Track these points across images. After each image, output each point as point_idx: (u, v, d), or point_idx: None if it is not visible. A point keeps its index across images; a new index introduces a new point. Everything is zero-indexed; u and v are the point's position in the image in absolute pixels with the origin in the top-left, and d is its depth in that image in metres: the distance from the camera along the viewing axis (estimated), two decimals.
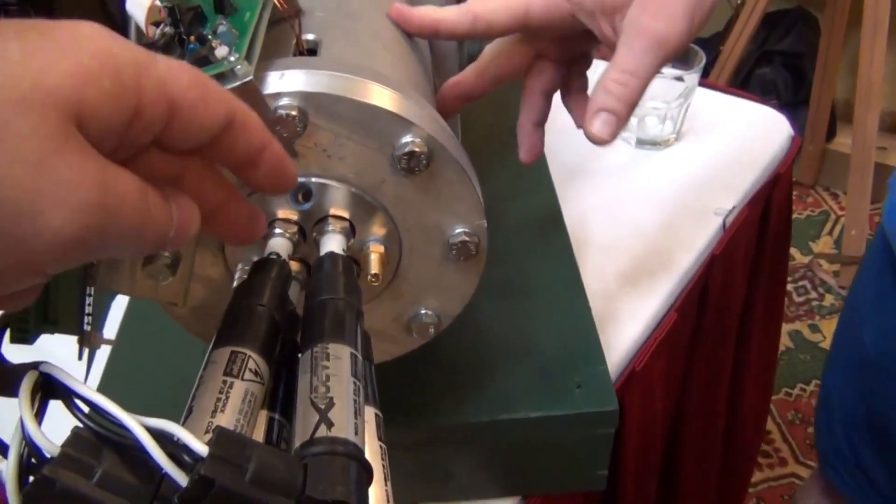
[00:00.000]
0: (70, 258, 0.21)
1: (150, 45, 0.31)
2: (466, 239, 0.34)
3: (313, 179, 0.32)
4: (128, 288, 0.33)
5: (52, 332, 0.30)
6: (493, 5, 0.42)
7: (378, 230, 0.34)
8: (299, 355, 0.27)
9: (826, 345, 1.54)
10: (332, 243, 0.32)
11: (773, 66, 1.80)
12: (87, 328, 0.30)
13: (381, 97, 0.31)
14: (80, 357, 0.30)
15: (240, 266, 0.34)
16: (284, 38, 0.37)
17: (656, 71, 0.39)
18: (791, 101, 1.79)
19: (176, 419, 0.22)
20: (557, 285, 0.54)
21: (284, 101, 0.30)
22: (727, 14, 1.72)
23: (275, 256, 0.31)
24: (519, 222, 0.60)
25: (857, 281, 0.82)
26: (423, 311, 0.37)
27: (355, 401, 0.25)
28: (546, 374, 0.47)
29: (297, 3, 0.38)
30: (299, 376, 0.26)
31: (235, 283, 0.33)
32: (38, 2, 0.89)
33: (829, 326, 1.57)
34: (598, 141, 0.40)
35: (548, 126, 0.75)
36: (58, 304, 0.29)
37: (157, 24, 0.34)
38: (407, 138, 0.31)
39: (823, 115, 1.74)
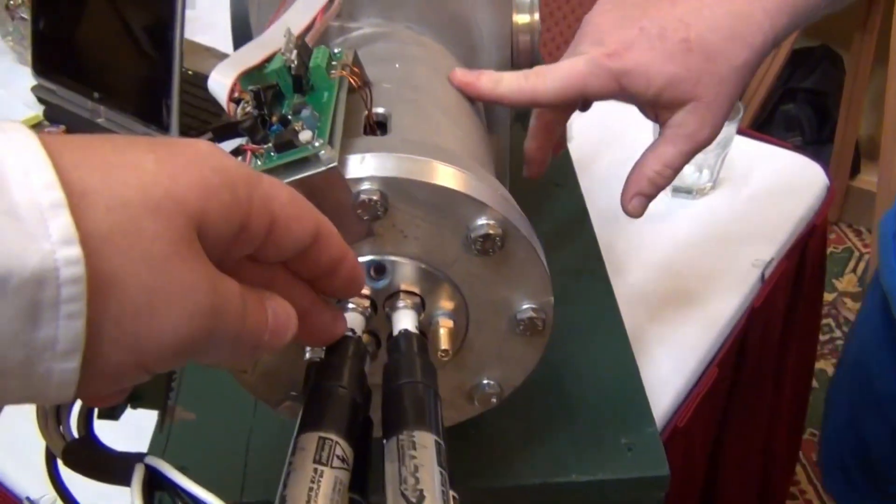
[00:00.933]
0: (179, 359, 0.21)
1: (235, 125, 0.32)
2: (534, 315, 0.35)
3: (388, 257, 0.33)
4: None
5: (136, 407, 0.30)
6: (551, 86, 0.42)
7: (447, 304, 0.35)
8: (384, 441, 0.27)
9: None
10: (406, 320, 0.33)
11: (798, 103, 1.80)
12: (171, 403, 0.31)
13: (457, 180, 0.32)
14: (160, 430, 0.31)
15: None
16: (354, 110, 0.37)
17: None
18: (815, 138, 1.80)
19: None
20: (603, 340, 0.54)
21: (366, 186, 0.31)
22: None
23: (350, 333, 0.32)
24: (561, 270, 0.60)
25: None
26: (485, 382, 0.38)
27: (443, 492, 0.25)
28: (595, 435, 0.47)
29: (367, 77, 0.39)
30: (386, 464, 0.26)
31: (308, 355, 0.34)
32: (92, 31, 0.90)
33: None
34: (633, 216, 0.47)
35: (586, 173, 0.76)
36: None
37: (236, 102, 0.35)
38: (482, 220, 0.32)
39: (848, 151, 1.74)
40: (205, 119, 0.90)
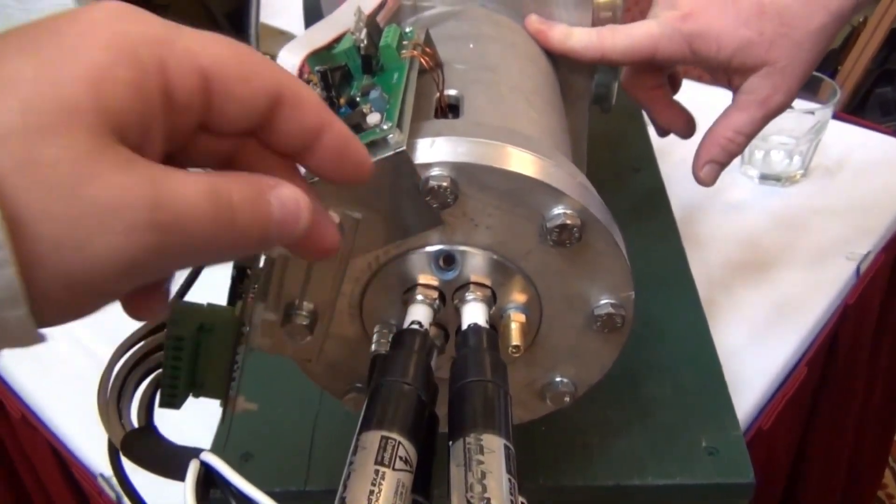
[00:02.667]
0: (135, 279, 0.19)
1: None
2: (612, 311, 0.32)
3: (457, 247, 0.31)
4: (267, 346, 0.33)
5: (198, 395, 0.30)
6: (621, 42, 0.43)
7: (519, 297, 0.33)
8: (450, 444, 0.26)
9: None
10: (476, 313, 0.31)
11: (895, 85, 1.70)
12: (233, 393, 0.30)
13: (533, 166, 0.30)
14: (222, 420, 0.30)
15: (377, 328, 0.34)
16: (425, 92, 0.36)
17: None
18: None
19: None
20: (684, 334, 0.51)
21: (436, 172, 0.29)
22: (845, 31, 1.64)
23: (417, 326, 0.30)
24: (638, 259, 0.58)
25: None
26: (558, 379, 0.36)
27: (511, 501, 0.23)
28: (674, 436, 0.44)
29: (439, 57, 0.38)
30: (451, 467, 0.25)
31: (373, 347, 0.33)
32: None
33: None
34: (705, 184, 0.46)
35: (666, 159, 0.73)
36: (207, 367, 0.29)
37: (304, 83, 0.33)
38: (558, 209, 0.30)
39: None
40: None
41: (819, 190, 0.73)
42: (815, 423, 0.69)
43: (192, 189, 0.19)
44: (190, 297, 0.29)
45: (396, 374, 0.27)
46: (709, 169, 0.45)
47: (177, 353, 0.27)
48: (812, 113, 0.69)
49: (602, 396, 0.46)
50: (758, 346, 0.59)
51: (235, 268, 0.30)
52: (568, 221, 0.30)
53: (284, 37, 1.03)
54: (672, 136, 0.66)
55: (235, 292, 0.30)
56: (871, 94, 1.71)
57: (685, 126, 0.50)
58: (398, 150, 0.29)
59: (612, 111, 0.54)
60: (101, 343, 0.58)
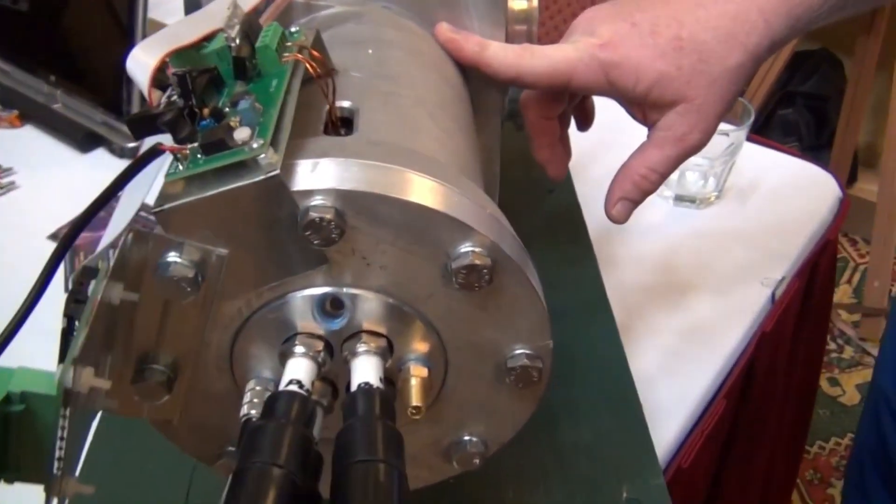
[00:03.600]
0: None
1: (155, 117, 0.25)
2: (528, 363, 0.28)
3: (346, 290, 0.26)
4: (114, 408, 0.27)
5: (11, 480, 0.24)
6: (538, 64, 0.40)
7: (420, 346, 0.28)
8: None
9: (846, 399, 1.48)
10: (367, 369, 0.26)
11: (796, 107, 1.75)
12: (58, 473, 0.24)
13: (436, 195, 0.25)
14: None
15: (250, 384, 0.28)
16: (313, 103, 0.31)
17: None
18: (813, 144, 1.74)
19: None
20: (603, 373, 0.48)
21: (318, 201, 0.24)
22: None
23: (295, 387, 0.25)
24: (556, 291, 0.54)
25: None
26: (466, 438, 0.31)
27: None
28: (594, 488, 0.41)
29: (331, 62, 0.32)
30: None
31: (244, 409, 0.27)
32: (48, 7, 0.84)
33: (850, 380, 1.51)
34: (617, 222, 0.44)
35: (581, 178, 0.70)
36: (20, 446, 0.23)
37: (162, 88, 0.28)
38: (465, 247, 0.25)
39: (846, 159, 1.69)
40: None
41: (733, 212, 0.71)
42: (730, 452, 0.67)
43: None
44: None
45: (265, 453, 0.22)
46: (621, 206, 0.43)
47: None
48: (727, 134, 0.68)
49: (515, 443, 0.42)
50: (674, 375, 0.56)
51: (65, 316, 0.24)
52: (476, 261, 0.25)
53: None
54: (587, 154, 0.63)
55: (65, 350, 0.24)
56: (773, 115, 1.75)
57: (558, 172, 0.48)
58: (270, 175, 0.23)
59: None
60: None
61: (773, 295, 0.63)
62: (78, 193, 0.73)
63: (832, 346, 1.57)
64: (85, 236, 0.71)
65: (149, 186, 0.30)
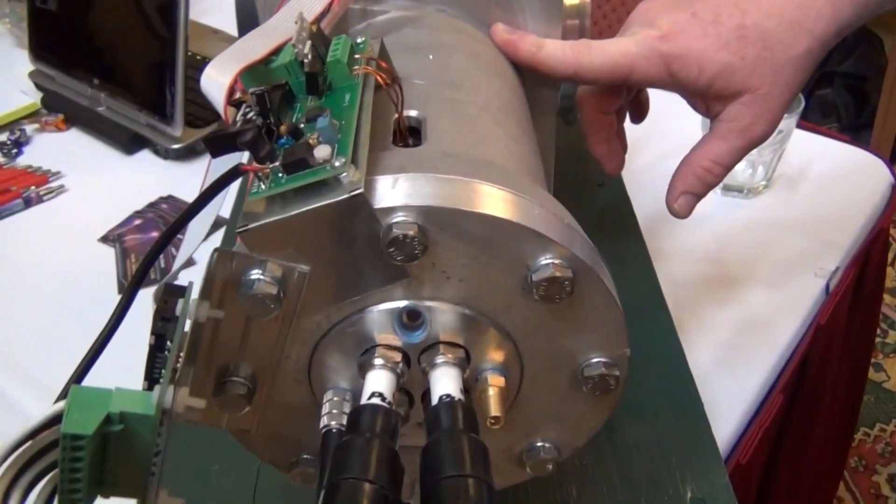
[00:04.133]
0: None
1: (234, 136, 0.25)
2: (605, 372, 0.28)
3: (425, 303, 0.26)
4: (197, 419, 0.28)
5: (108, 495, 0.24)
6: (597, 60, 0.39)
7: (497, 356, 0.28)
8: None
9: (891, 385, 1.46)
10: (447, 381, 0.26)
11: (834, 88, 1.71)
12: (153, 489, 0.24)
13: (514, 207, 0.25)
14: None
15: (328, 395, 0.28)
16: (380, 113, 0.31)
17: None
18: (852, 124, 1.71)
19: None
20: (662, 371, 0.47)
21: (400, 218, 0.24)
22: None
23: (378, 399, 0.25)
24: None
25: None
26: (539, 444, 0.31)
27: None
28: (658, 487, 0.40)
29: (396, 72, 0.32)
30: None
31: (324, 420, 0.27)
32: (75, 6, 0.84)
33: (895, 365, 1.48)
34: (679, 216, 0.43)
35: (629, 169, 0.69)
36: (117, 463, 0.24)
37: (236, 106, 0.28)
38: (546, 259, 0.25)
39: (888, 139, 1.65)
40: (214, 110, 0.84)
41: (782, 202, 0.70)
42: (783, 445, 0.67)
43: None
44: (92, 379, 0.23)
45: (355, 469, 0.22)
46: (683, 200, 0.42)
47: (76, 454, 0.22)
48: None
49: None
50: (729, 370, 0.55)
51: (153, 334, 0.25)
52: (557, 274, 0.25)
53: (217, 36, 0.96)
54: (631, 145, 0.63)
55: (153, 366, 0.25)
56: (811, 97, 1.72)
57: (615, 167, 0.47)
58: (354, 193, 0.23)
59: (575, 123, 0.49)
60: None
61: (828, 286, 0.62)
62: (125, 195, 0.75)
63: (877, 331, 1.55)
64: (134, 238, 0.72)
65: (222, 198, 0.30)
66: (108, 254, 0.69)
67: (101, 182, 0.78)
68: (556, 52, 0.39)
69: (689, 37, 0.38)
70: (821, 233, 0.67)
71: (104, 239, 0.71)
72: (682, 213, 0.43)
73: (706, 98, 0.40)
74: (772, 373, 0.56)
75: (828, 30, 0.38)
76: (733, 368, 0.55)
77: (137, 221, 0.73)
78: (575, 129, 0.52)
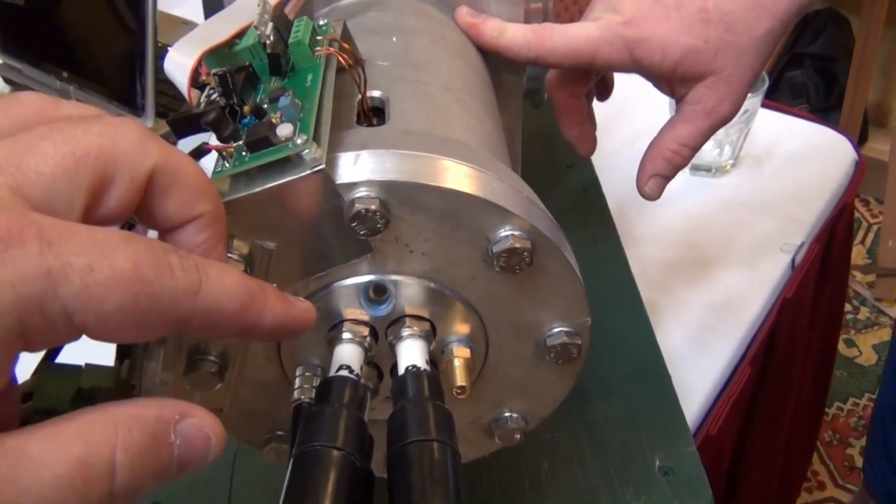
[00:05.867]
0: None
1: (198, 116, 0.26)
2: (567, 340, 0.29)
3: (389, 277, 0.27)
4: (169, 393, 0.28)
5: None
6: (560, 44, 0.39)
7: (462, 328, 0.29)
8: None
9: (863, 360, 1.49)
10: (413, 352, 0.27)
11: (804, 69, 1.74)
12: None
13: (475, 181, 0.26)
14: None
15: (299, 370, 0.29)
16: (344, 94, 0.31)
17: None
18: (822, 105, 1.73)
19: None
20: (631, 348, 0.48)
21: (362, 193, 0.25)
22: None
23: (346, 372, 0.26)
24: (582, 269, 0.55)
25: None
26: (507, 414, 0.32)
27: None
28: (627, 457, 0.41)
29: (359, 53, 0.33)
30: None
31: (295, 394, 0.28)
32: (44, 5, 0.83)
33: (866, 341, 1.52)
34: (650, 198, 0.44)
35: (598, 151, 0.70)
36: None
37: (200, 88, 0.28)
38: (506, 231, 0.26)
39: (857, 119, 1.68)
40: (185, 100, 0.84)
41: (749, 180, 0.72)
42: (754, 418, 0.68)
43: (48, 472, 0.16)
44: (64, 356, 0.24)
45: (324, 437, 0.23)
46: (654, 183, 0.43)
47: None
48: None
49: (550, 417, 0.43)
50: (698, 346, 0.57)
51: None
52: (517, 245, 0.26)
53: (187, 27, 0.96)
54: (603, 126, 0.64)
55: (125, 347, 0.25)
56: (781, 78, 1.74)
57: (588, 149, 0.47)
58: (316, 169, 0.24)
59: (543, 105, 0.50)
60: None
61: (794, 261, 0.64)
62: None
63: (848, 307, 1.57)
64: None
65: None
66: None
67: None
68: (518, 36, 0.40)
69: (652, 21, 0.38)
70: (787, 209, 0.68)
71: None
72: (653, 196, 0.44)
73: (671, 81, 0.40)
74: (739, 346, 0.58)
75: (789, 10, 0.38)
76: (702, 344, 0.57)
77: None
78: (542, 112, 0.52)
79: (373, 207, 0.24)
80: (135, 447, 0.17)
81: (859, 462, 1.31)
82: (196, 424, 0.19)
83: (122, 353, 0.25)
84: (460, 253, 0.27)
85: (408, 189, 0.25)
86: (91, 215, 0.18)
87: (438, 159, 0.26)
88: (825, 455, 1.34)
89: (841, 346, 1.51)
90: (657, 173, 0.43)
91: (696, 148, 0.42)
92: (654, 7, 0.38)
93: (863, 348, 1.51)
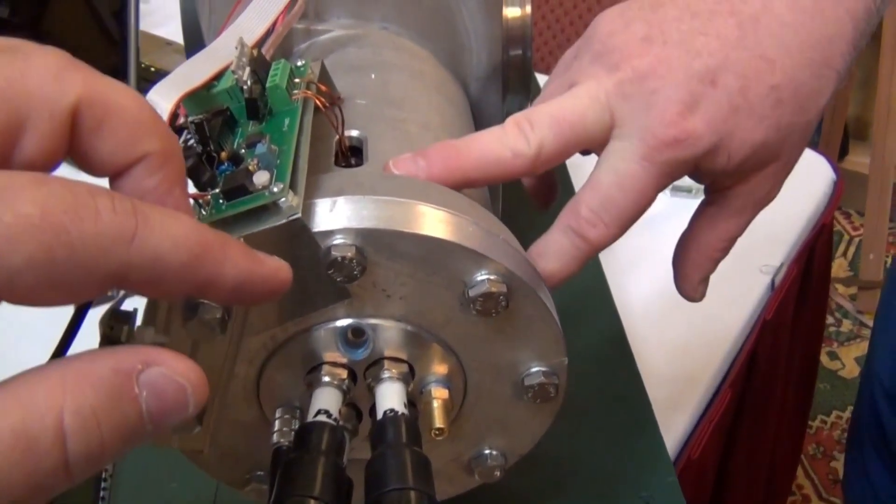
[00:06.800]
0: None
1: None
2: (545, 381, 0.29)
3: (367, 321, 0.27)
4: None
5: None
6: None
7: (440, 368, 0.29)
8: None
9: (846, 373, 1.50)
10: (391, 396, 0.27)
11: None
12: None
13: (450, 227, 0.26)
14: None
15: (278, 412, 0.29)
16: (322, 133, 0.31)
17: None
18: None
19: None
20: (611, 373, 0.49)
21: (339, 240, 0.25)
22: None
23: (324, 417, 0.26)
24: (561, 292, 0.55)
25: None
26: (486, 451, 0.32)
27: None
28: (607, 485, 0.42)
29: (337, 91, 0.33)
30: None
31: (275, 437, 0.28)
32: (28, 12, 0.83)
33: (849, 353, 1.53)
34: (697, 300, 0.37)
35: (577, 168, 0.70)
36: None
37: (178, 131, 0.28)
38: (481, 275, 0.26)
39: (837, 133, 1.70)
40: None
41: None
42: (737, 438, 0.69)
43: None
44: None
45: (301, 487, 0.23)
46: (703, 287, 0.36)
47: None
48: None
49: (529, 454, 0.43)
50: (679, 369, 0.57)
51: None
52: (493, 289, 0.26)
53: (171, 48, 0.96)
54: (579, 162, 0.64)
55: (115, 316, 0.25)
56: None
57: (543, 201, 0.41)
58: (292, 218, 0.24)
59: None
60: None
61: (773, 282, 0.65)
62: None
63: (830, 319, 1.59)
64: None
65: None
66: None
67: None
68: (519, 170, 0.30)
69: (710, 122, 0.29)
70: (766, 230, 0.68)
71: None
72: (701, 298, 0.37)
73: (721, 177, 0.32)
74: (720, 369, 0.58)
75: (847, 60, 0.30)
76: (682, 366, 0.57)
77: None
78: None
79: (349, 255, 0.25)
80: (87, 408, 0.15)
81: (843, 474, 1.32)
82: (164, 373, 0.17)
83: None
84: (437, 297, 0.27)
85: (384, 236, 0.25)
86: (6, 162, 0.16)
87: (415, 205, 0.26)
88: (809, 468, 1.35)
89: (824, 359, 1.52)
90: (705, 277, 0.36)
91: (738, 238, 0.36)
92: (714, 97, 0.29)
93: (846, 361, 1.52)
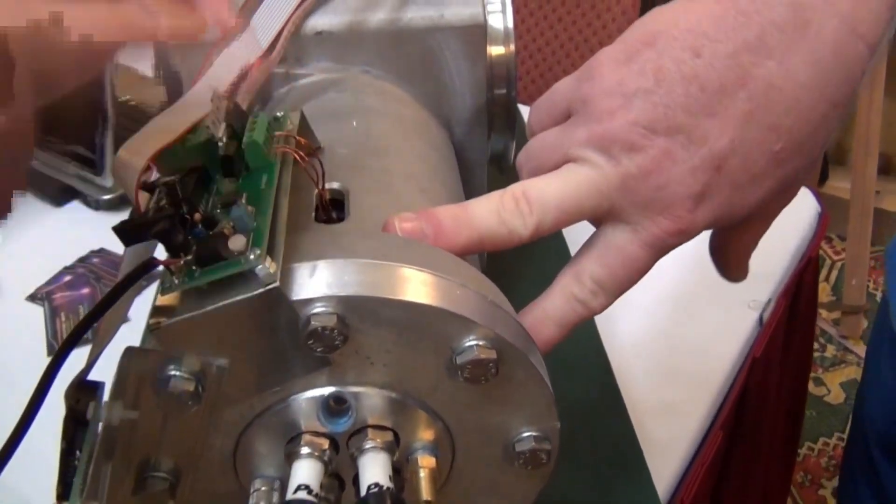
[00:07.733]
0: None
1: (146, 225, 0.25)
2: (536, 446, 0.28)
3: (349, 389, 0.26)
4: None
5: None
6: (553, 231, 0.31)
7: (426, 435, 0.28)
8: None
9: (831, 398, 1.50)
10: (375, 468, 0.26)
11: None
12: None
13: (435, 291, 0.25)
14: None
15: (256, 483, 0.28)
16: (302, 185, 0.30)
17: None
18: None
19: None
20: (599, 413, 0.47)
21: (319, 309, 0.24)
22: None
23: (304, 493, 0.25)
24: None
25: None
26: None
27: None
28: None
29: (317, 141, 0.32)
30: None
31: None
32: None
33: (834, 379, 1.53)
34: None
35: None
36: None
37: (149, 189, 0.27)
38: (469, 341, 0.25)
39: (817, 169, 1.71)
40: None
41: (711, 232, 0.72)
42: (727, 476, 0.67)
43: None
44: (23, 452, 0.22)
45: None
46: (745, 269, 0.38)
47: None
48: None
49: None
50: (668, 410, 0.56)
51: (65, 440, 0.24)
52: (482, 356, 0.25)
53: (151, 81, 0.95)
54: None
55: (66, 472, 0.24)
56: None
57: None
58: (270, 287, 0.23)
59: (509, 170, 0.50)
60: None
61: (761, 318, 0.64)
62: (55, 249, 0.73)
63: (815, 345, 1.59)
64: (64, 295, 0.70)
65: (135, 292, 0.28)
66: (37, 313, 0.67)
67: (29, 236, 0.75)
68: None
69: (721, 205, 0.28)
70: (752, 264, 0.68)
71: (32, 297, 0.68)
72: (745, 278, 0.38)
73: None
74: (710, 409, 0.57)
75: (857, 89, 0.29)
76: (672, 408, 0.56)
77: (67, 278, 0.70)
78: (510, 177, 0.52)
79: (330, 325, 0.23)
80: None
81: (832, 503, 1.31)
82: None
83: (65, 481, 0.24)
84: (424, 363, 0.26)
85: (367, 303, 0.24)
86: None
87: (398, 268, 0.25)
88: (798, 497, 1.34)
89: (809, 386, 1.51)
90: (745, 264, 0.38)
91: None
92: (719, 183, 0.28)
93: (831, 386, 1.52)
